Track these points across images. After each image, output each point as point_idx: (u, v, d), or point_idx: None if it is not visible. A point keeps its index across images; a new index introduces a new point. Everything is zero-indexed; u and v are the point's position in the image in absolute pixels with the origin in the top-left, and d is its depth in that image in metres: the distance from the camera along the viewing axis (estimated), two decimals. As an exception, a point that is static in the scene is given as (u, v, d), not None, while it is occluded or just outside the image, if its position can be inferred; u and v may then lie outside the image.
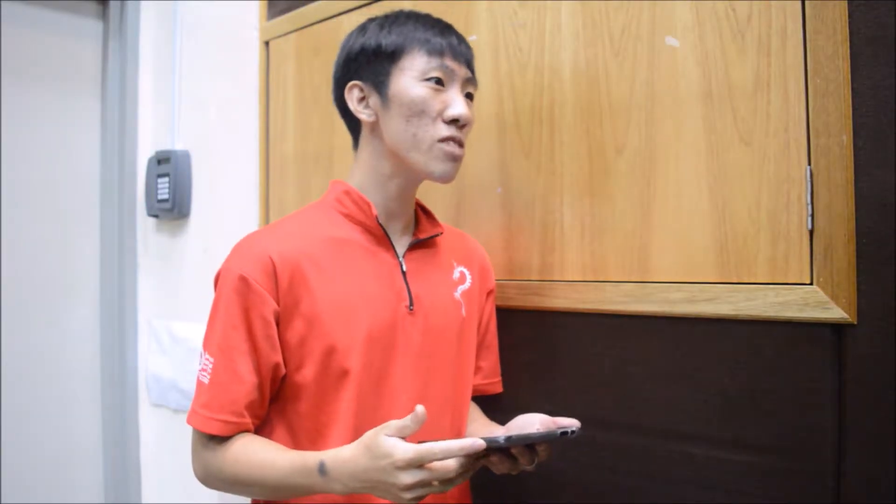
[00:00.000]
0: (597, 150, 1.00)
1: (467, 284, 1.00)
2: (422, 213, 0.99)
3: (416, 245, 0.96)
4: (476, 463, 0.76)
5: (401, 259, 0.93)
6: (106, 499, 1.83)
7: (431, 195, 1.20)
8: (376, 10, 1.29)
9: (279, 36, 1.52)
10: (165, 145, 1.80)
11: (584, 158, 1.01)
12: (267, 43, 1.55)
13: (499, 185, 1.12)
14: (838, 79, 0.78)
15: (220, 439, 0.84)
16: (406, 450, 0.70)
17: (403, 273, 0.92)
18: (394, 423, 0.73)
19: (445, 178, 0.90)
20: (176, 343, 1.73)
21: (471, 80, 0.92)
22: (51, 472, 1.74)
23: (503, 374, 1.10)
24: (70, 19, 1.81)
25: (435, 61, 0.87)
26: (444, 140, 0.88)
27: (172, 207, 1.72)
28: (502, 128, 1.11)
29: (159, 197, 1.75)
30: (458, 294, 0.98)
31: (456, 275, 1.00)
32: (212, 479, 0.86)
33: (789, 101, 0.82)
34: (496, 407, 1.08)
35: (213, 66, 1.70)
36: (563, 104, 1.04)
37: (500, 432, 0.86)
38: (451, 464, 0.72)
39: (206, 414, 0.83)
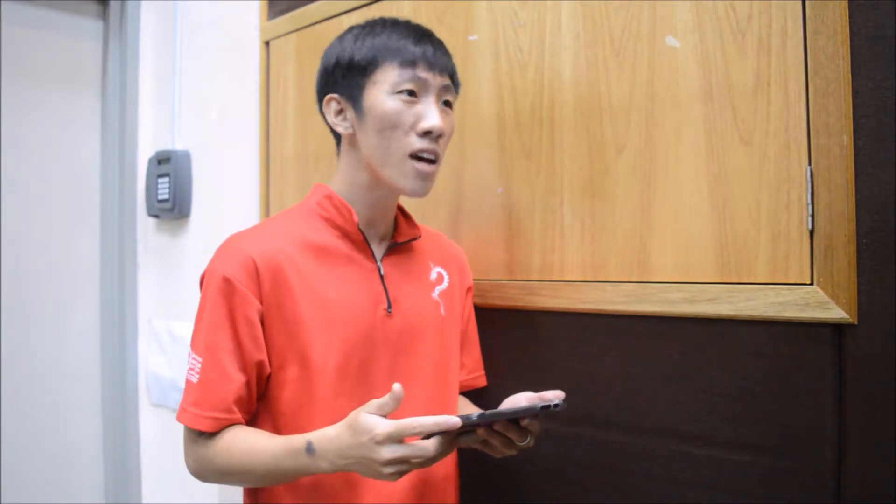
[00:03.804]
0: (597, 150, 1.00)
1: (445, 284, 1.02)
2: (401, 217, 1.01)
3: (394, 248, 0.98)
4: (455, 442, 0.80)
5: (378, 263, 0.95)
6: (106, 499, 1.83)
7: (432, 195, 1.20)
8: (376, 11, 1.29)
9: (279, 36, 1.51)
10: (165, 145, 1.80)
11: (584, 158, 1.01)
12: (267, 43, 1.55)
13: (499, 185, 1.12)
14: (838, 79, 0.78)
15: (210, 434, 0.87)
16: (386, 425, 0.73)
17: (381, 277, 0.95)
18: (374, 402, 0.76)
19: (416, 195, 0.91)
20: (176, 343, 1.73)
21: (448, 88, 0.91)
22: (51, 472, 1.74)
23: (504, 375, 1.10)
24: (70, 19, 1.81)
25: (407, 73, 0.87)
26: (415, 154, 0.88)
27: (172, 207, 1.72)
28: (502, 128, 1.11)
29: (159, 197, 1.75)
30: (435, 294, 1.00)
31: (433, 276, 1.02)
32: (204, 471, 0.89)
33: (789, 101, 0.82)
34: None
35: (213, 66, 1.70)
36: (563, 104, 1.04)
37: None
38: (430, 443, 0.75)
39: (196, 412, 0.86)
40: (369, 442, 0.73)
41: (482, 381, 1.10)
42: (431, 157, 0.89)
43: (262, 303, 0.87)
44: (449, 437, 0.78)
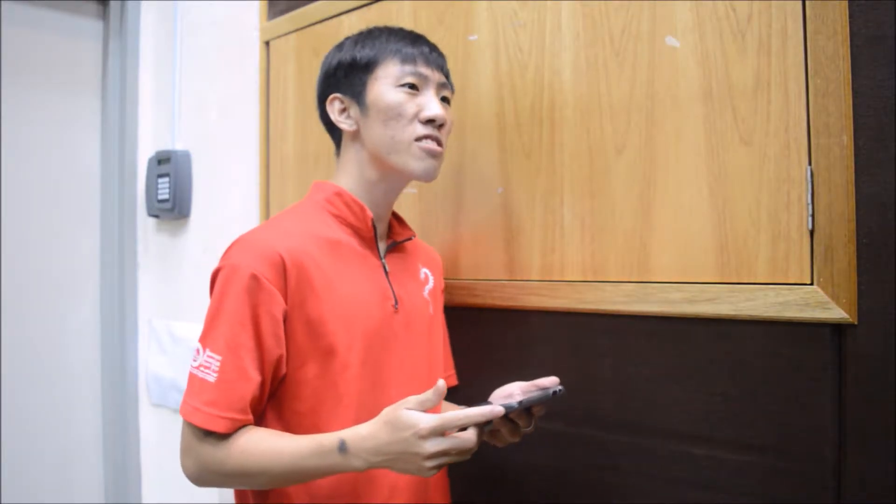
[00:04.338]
0: (597, 150, 1.00)
1: (431, 285, 1.06)
2: (394, 218, 1.04)
3: (393, 247, 1.01)
4: (482, 433, 0.80)
5: (383, 260, 0.97)
6: (106, 499, 1.83)
7: (432, 195, 1.20)
8: (375, 11, 1.29)
9: (279, 36, 1.52)
10: (165, 145, 1.80)
11: (584, 158, 1.01)
12: (267, 43, 1.55)
13: (499, 185, 1.12)
14: (839, 79, 0.78)
15: (222, 435, 0.84)
16: (430, 419, 0.74)
17: (386, 273, 0.97)
18: (413, 398, 0.76)
19: (426, 176, 0.94)
20: (176, 343, 1.73)
21: (445, 85, 0.97)
22: (51, 472, 1.74)
23: (503, 375, 1.09)
24: (70, 19, 1.81)
25: (408, 68, 0.92)
26: (421, 139, 0.92)
27: (172, 207, 1.72)
28: (502, 128, 1.11)
29: (159, 197, 1.75)
30: (425, 293, 1.03)
31: (422, 276, 1.05)
32: (208, 473, 0.85)
33: (790, 101, 0.82)
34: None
35: (213, 66, 1.70)
36: (563, 104, 1.04)
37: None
38: (471, 435, 0.76)
39: (213, 412, 0.82)
40: (412, 437, 0.73)
41: (454, 381, 1.13)
42: (436, 141, 0.93)
43: (286, 300, 0.86)
44: (481, 430, 0.78)
